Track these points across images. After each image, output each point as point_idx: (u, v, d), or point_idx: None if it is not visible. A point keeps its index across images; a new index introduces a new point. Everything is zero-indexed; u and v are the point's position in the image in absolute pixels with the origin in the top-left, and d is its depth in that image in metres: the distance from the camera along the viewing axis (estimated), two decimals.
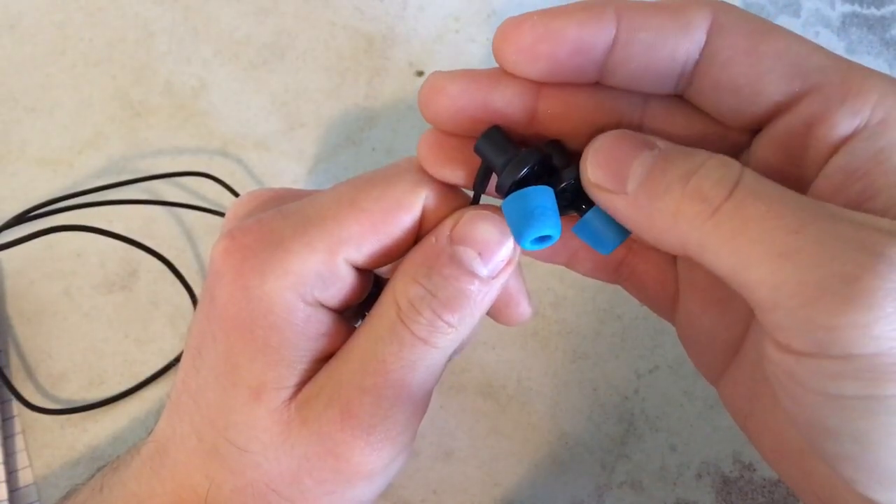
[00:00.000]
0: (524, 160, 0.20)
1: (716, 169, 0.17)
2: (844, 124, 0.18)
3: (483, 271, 0.21)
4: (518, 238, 0.20)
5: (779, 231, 0.16)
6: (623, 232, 0.20)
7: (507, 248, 0.21)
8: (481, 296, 0.21)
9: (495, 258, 0.21)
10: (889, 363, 0.15)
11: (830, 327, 0.15)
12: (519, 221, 0.20)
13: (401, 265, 0.22)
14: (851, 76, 0.18)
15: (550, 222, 0.19)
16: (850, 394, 0.15)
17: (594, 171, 0.19)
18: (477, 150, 0.21)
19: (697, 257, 0.17)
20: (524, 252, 0.24)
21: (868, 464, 0.17)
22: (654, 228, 0.18)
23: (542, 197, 0.20)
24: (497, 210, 0.21)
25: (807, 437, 0.17)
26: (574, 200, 0.21)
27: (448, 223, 0.21)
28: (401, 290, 0.21)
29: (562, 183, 0.20)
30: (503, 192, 0.20)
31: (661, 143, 0.19)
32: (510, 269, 0.22)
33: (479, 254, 0.21)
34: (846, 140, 0.18)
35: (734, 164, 0.17)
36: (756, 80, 0.18)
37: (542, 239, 0.20)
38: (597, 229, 0.20)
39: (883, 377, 0.15)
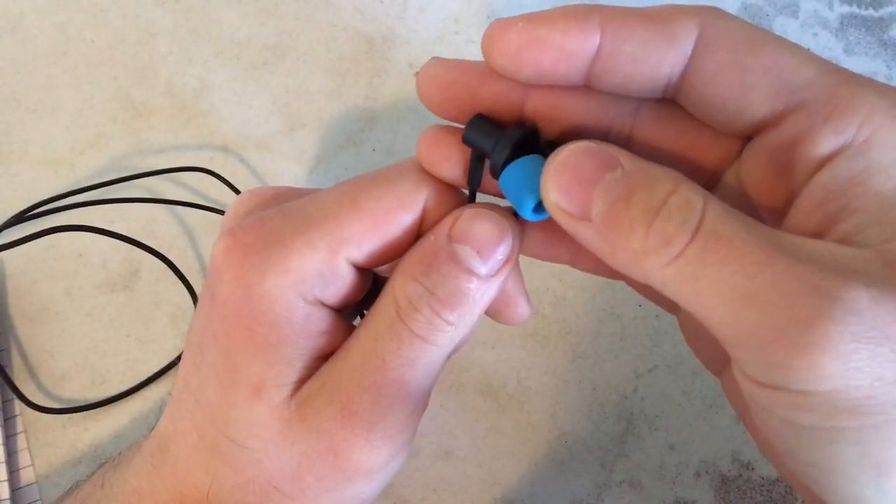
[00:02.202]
0: (512, 135, 0.20)
1: (679, 210, 0.17)
2: (827, 143, 0.18)
3: (482, 269, 0.21)
4: (519, 208, 0.20)
5: (738, 276, 0.16)
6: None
7: (505, 246, 0.21)
8: (480, 294, 0.21)
9: (494, 256, 0.21)
10: (843, 399, 0.15)
11: (787, 367, 0.15)
12: (518, 191, 0.20)
13: (400, 263, 0.22)
14: (839, 92, 0.18)
15: None
16: (807, 424, 0.16)
17: (556, 195, 0.18)
18: (465, 140, 0.21)
19: (659, 290, 0.17)
20: (526, 253, 0.24)
21: (826, 487, 0.17)
22: (617, 261, 0.18)
23: (537, 164, 0.20)
24: (496, 209, 0.22)
25: (775, 454, 0.18)
26: None
27: (447, 221, 0.21)
28: (400, 288, 0.21)
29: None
30: (497, 170, 0.20)
31: (624, 161, 0.18)
32: (509, 267, 0.22)
33: (478, 252, 0.21)
34: (829, 158, 0.18)
35: (697, 201, 0.17)
36: (741, 96, 0.18)
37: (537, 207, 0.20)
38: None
39: (837, 412, 0.15)
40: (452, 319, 0.21)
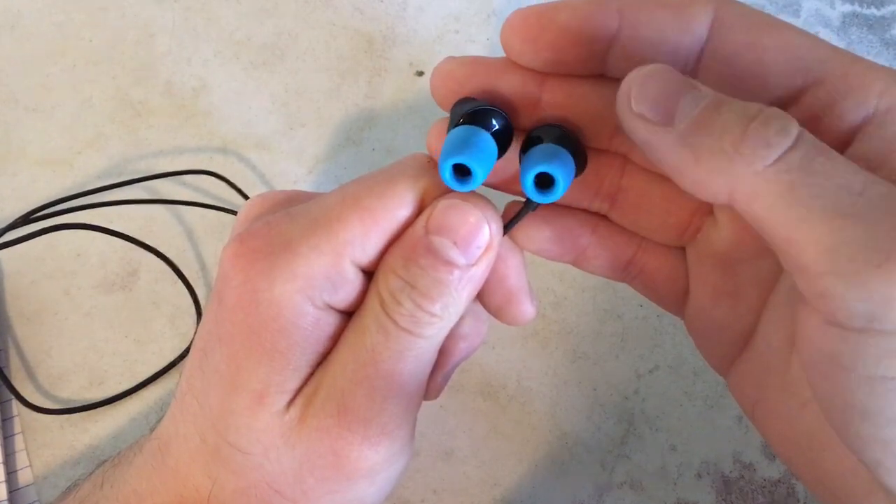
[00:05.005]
0: (469, 107, 0.20)
1: (778, 118, 0.16)
2: (851, 115, 0.18)
3: (460, 260, 0.21)
4: (440, 166, 0.20)
5: (842, 191, 0.15)
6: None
7: (483, 234, 0.21)
8: (462, 283, 0.21)
9: (472, 245, 0.21)
10: None
11: (889, 298, 0.14)
12: (444, 150, 0.20)
13: (383, 257, 0.22)
14: (854, 69, 0.18)
15: (470, 153, 0.19)
16: None
17: (640, 100, 0.17)
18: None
19: (743, 205, 0.16)
20: (532, 251, 0.24)
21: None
22: (701, 169, 0.17)
23: (474, 134, 0.20)
24: (472, 197, 0.21)
25: (837, 420, 0.17)
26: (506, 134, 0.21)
27: (425, 213, 0.21)
28: (382, 282, 0.21)
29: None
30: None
31: (704, 88, 0.17)
32: (490, 255, 0.22)
33: (455, 242, 0.21)
34: (857, 130, 0.18)
35: (793, 119, 0.16)
36: (759, 75, 0.18)
37: (463, 175, 0.20)
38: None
39: None
40: (436, 311, 0.21)
